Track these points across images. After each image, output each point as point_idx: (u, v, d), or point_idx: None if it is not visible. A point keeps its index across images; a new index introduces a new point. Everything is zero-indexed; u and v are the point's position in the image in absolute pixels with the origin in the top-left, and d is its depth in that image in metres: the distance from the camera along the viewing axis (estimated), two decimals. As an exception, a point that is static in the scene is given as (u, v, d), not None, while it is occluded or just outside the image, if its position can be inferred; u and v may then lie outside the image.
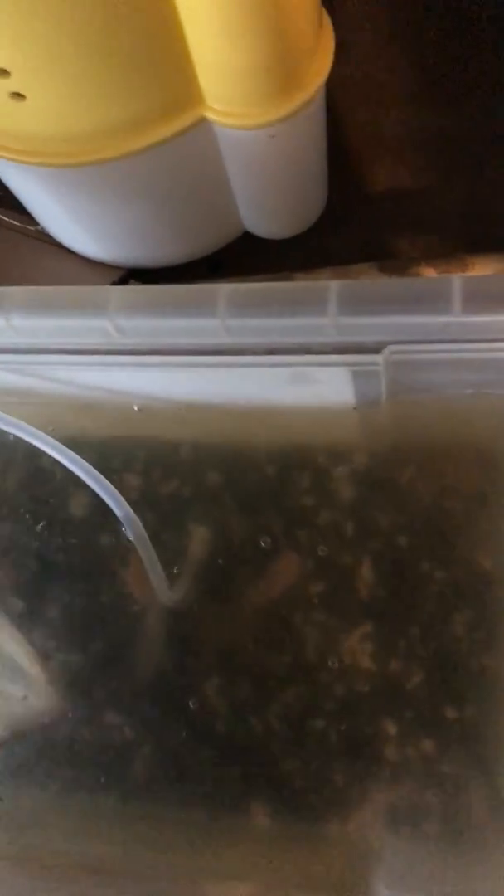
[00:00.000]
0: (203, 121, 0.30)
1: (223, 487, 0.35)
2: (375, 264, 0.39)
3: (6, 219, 0.43)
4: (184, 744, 0.33)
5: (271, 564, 0.35)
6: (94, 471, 0.27)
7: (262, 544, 0.35)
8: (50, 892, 0.26)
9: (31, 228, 0.42)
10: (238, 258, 0.42)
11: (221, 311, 0.23)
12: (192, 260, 0.41)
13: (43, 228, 0.42)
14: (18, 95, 0.27)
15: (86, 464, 0.27)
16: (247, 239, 0.41)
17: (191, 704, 0.33)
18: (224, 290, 0.23)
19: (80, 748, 0.34)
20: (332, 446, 0.33)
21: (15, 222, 0.43)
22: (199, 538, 0.34)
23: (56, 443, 0.27)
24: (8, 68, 0.26)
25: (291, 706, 0.33)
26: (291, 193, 0.36)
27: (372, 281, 0.22)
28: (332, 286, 0.23)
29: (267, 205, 0.36)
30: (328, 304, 0.22)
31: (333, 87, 0.45)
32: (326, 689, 0.33)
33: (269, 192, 0.35)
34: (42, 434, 0.27)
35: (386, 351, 0.23)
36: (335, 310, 0.22)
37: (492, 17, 0.44)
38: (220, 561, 0.35)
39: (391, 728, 0.33)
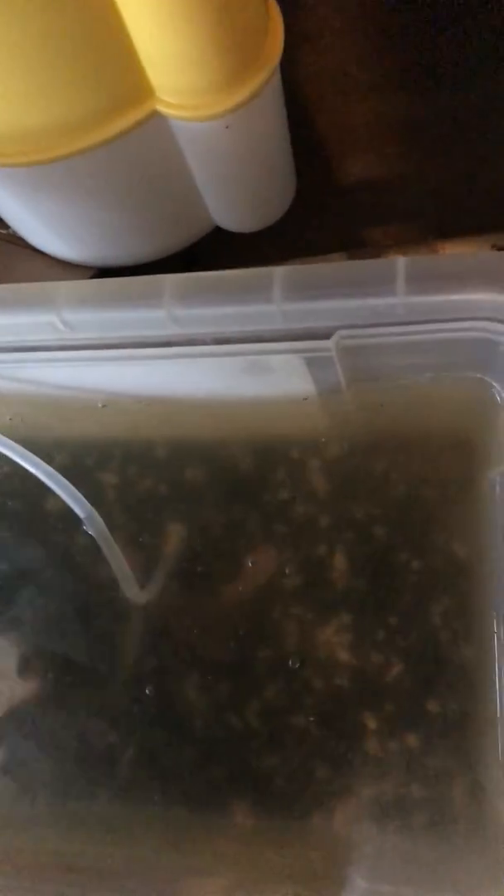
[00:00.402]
0: (155, 114, 0.30)
1: (198, 484, 0.35)
2: (346, 254, 0.39)
3: (-23, 223, 0.43)
4: (164, 743, 0.33)
5: (248, 559, 0.34)
6: (53, 471, 0.27)
7: (239, 542, 0.34)
8: (24, 892, 0.26)
9: (2, 231, 0.42)
10: (212, 253, 0.42)
11: (167, 301, 0.23)
12: (165, 257, 0.41)
13: (14, 231, 0.42)
14: (-37, 95, 0.27)
15: (44, 464, 0.26)
16: (220, 233, 0.41)
17: (170, 703, 0.33)
18: (169, 280, 0.23)
19: (60, 748, 0.34)
20: (299, 438, 0.33)
21: (-14, 226, 0.43)
22: (174, 536, 0.34)
23: (13, 443, 0.26)
24: (-49, 68, 0.26)
25: (271, 702, 0.33)
26: (255, 185, 0.35)
27: (315, 265, 0.22)
28: (275, 272, 0.22)
29: (232, 197, 0.36)
30: (272, 291, 0.22)
31: (303, 78, 0.45)
32: (306, 683, 0.33)
33: (232, 185, 0.35)
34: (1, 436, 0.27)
35: (336, 336, 0.23)
36: (279, 296, 0.22)
37: (461, 4, 0.43)
38: (197, 557, 0.34)
39: (372, 722, 0.32)
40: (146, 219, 0.37)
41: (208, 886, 0.27)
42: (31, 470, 0.26)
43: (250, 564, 0.34)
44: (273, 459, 0.34)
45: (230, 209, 0.37)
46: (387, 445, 0.33)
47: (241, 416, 0.31)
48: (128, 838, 0.31)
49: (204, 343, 0.24)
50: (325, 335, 0.23)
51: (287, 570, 0.34)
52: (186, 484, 0.35)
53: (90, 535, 0.33)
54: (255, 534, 0.34)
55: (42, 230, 0.38)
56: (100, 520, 0.28)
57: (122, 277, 0.24)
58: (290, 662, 0.33)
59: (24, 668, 0.34)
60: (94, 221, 0.36)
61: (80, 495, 0.27)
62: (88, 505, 0.27)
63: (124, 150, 0.31)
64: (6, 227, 0.42)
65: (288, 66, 0.31)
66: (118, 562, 0.29)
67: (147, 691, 0.33)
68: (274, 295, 0.22)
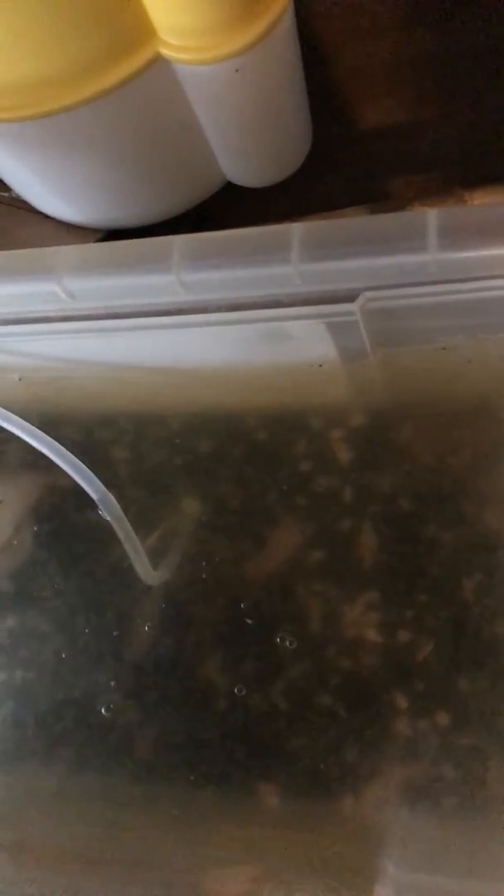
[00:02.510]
0: (159, 58, 0.27)
1: (213, 457, 0.33)
2: (366, 207, 0.37)
3: (-22, 187, 0.41)
4: (187, 724, 0.32)
5: (269, 535, 0.33)
6: (66, 451, 0.25)
7: (258, 516, 0.33)
8: (41, 885, 0.25)
9: (5, 195, 0.40)
10: (225, 211, 0.40)
11: (175, 265, 0.21)
12: (175, 216, 0.39)
13: (17, 195, 0.40)
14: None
15: (58, 444, 0.25)
16: (233, 189, 0.39)
17: (192, 683, 0.32)
18: (177, 241, 0.21)
19: (82, 731, 0.33)
20: (322, 407, 0.31)
21: (-12, 190, 0.41)
22: (190, 511, 0.32)
23: (26, 423, 0.25)
24: None
25: (296, 682, 0.32)
26: (268, 135, 0.33)
27: (337, 220, 0.20)
28: (293, 229, 0.20)
29: (243, 149, 0.33)
30: (290, 251, 0.20)
31: (316, 16, 0.42)
32: (332, 662, 0.32)
33: (243, 135, 0.32)
34: (13, 416, 0.25)
35: (361, 298, 0.21)
36: (298, 256, 0.20)
37: None
38: (214, 533, 0.33)
39: (402, 701, 0.31)
40: (153, 175, 0.35)
41: (234, 877, 0.26)
42: (45, 451, 0.24)
43: (271, 540, 0.33)
44: (292, 430, 0.33)
45: (242, 162, 0.35)
46: (413, 413, 0.31)
47: (258, 386, 0.29)
48: (149, 823, 0.30)
49: (217, 310, 0.22)
50: (349, 298, 0.21)
51: (310, 546, 0.32)
52: (201, 458, 0.33)
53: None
54: (275, 508, 0.33)
55: (45, 191, 0.36)
56: (114, 501, 0.26)
57: (126, 240, 0.22)
58: (316, 640, 0.31)
59: (39, 647, 0.34)
60: (98, 179, 0.34)
61: (93, 476, 0.25)
62: (102, 486, 0.25)
63: (126, 101, 0.29)
64: (8, 189, 0.40)
65: (298, 1, 0.29)
66: (133, 544, 0.27)
67: (167, 672, 0.32)
68: (292, 255, 0.20)
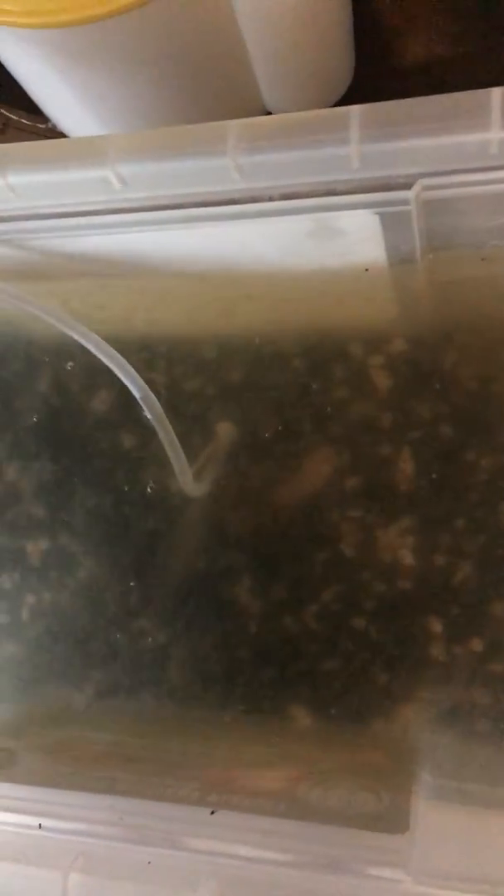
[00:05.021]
0: (210, -34, 0.27)
1: (250, 382, 0.33)
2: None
3: (15, 118, 0.41)
4: (219, 646, 0.32)
5: (305, 460, 0.33)
6: (110, 348, 0.25)
7: (293, 442, 0.33)
8: (82, 777, 0.25)
9: (42, 126, 0.40)
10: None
11: (231, 147, 0.21)
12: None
13: (54, 125, 0.40)
14: None
15: (100, 340, 0.25)
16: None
17: (225, 605, 0.32)
18: (233, 125, 0.21)
19: (114, 652, 0.33)
20: (360, 326, 0.31)
21: (24, 121, 0.41)
22: (226, 432, 0.32)
23: (66, 316, 0.25)
24: None
25: (329, 605, 0.32)
26: (313, 57, 0.33)
27: (396, 102, 0.20)
28: (352, 111, 0.20)
29: (286, 71, 0.33)
30: (350, 130, 0.20)
31: None
32: (366, 586, 0.32)
33: (288, 56, 0.32)
34: (53, 309, 0.25)
35: (417, 186, 0.21)
36: (357, 136, 0.20)
37: None
38: (252, 457, 0.33)
39: (436, 625, 0.31)
40: (195, 99, 0.34)
41: (270, 776, 0.26)
42: (84, 343, 0.24)
43: (307, 464, 0.32)
44: (330, 356, 0.32)
45: (285, 87, 0.34)
46: (458, 333, 0.30)
47: (301, 295, 0.29)
48: (181, 736, 0.30)
49: (270, 200, 0.22)
50: (406, 186, 0.21)
51: (348, 471, 0.32)
52: (236, 384, 0.33)
53: (137, 434, 0.32)
54: (311, 434, 0.33)
55: (85, 117, 0.35)
56: (156, 401, 0.26)
57: (180, 126, 0.22)
58: (350, 564, 0.31)
59: (73, 567, 0.34)
60: (139, 98, 0.34)
61: (136, 374, 0.25)
62: (144, 385, 0.25)
63: (173, 11, 0.29)
64: (45, 120, 0.40)
65: None
66: (174, 448, 0.27)
67: (199, 593, 0.32)
68: (351, 135, 0.20)
